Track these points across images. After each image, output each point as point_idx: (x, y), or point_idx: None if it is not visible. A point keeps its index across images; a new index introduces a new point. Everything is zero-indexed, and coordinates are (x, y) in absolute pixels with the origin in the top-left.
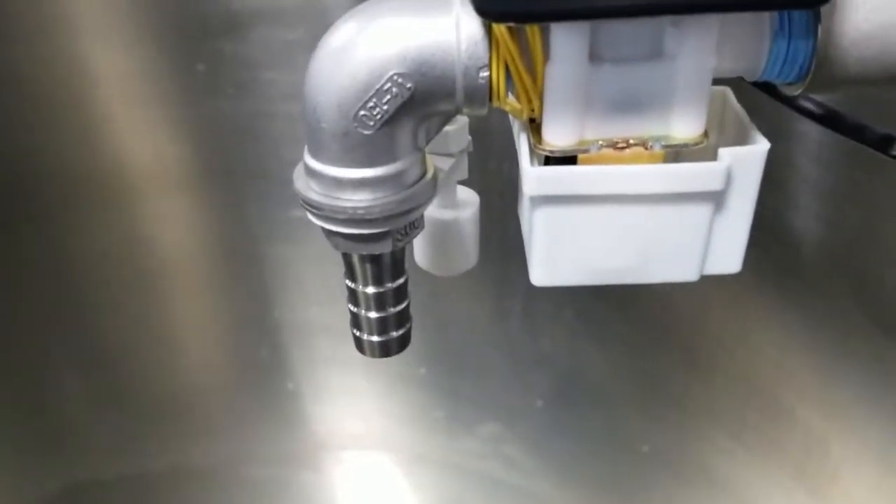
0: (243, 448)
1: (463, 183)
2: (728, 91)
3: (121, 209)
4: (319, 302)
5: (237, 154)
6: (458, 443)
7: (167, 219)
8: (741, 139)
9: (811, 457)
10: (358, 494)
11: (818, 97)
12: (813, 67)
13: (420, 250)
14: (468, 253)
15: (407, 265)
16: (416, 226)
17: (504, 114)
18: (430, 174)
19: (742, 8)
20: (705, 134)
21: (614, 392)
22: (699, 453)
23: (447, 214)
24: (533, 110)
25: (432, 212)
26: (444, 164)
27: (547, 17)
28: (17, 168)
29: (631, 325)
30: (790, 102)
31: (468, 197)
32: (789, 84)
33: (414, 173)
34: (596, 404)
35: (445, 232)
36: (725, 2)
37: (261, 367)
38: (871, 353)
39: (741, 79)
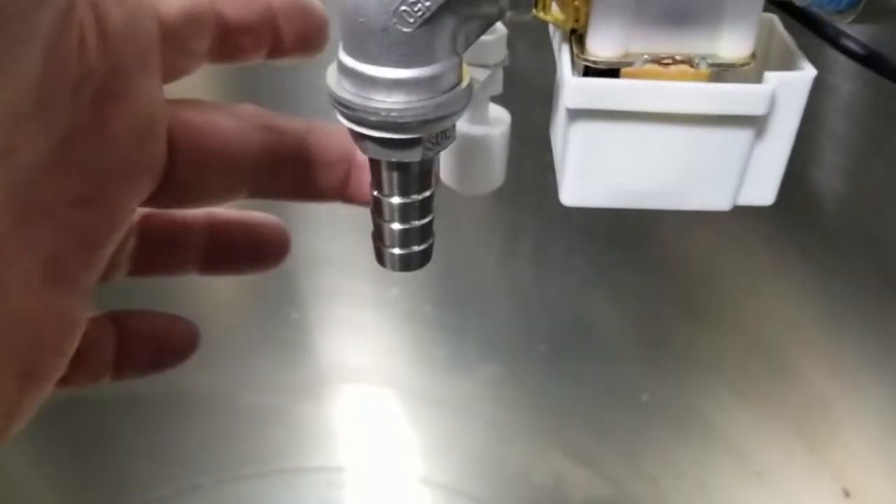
0: (245, 375)
1: (496, 100)
2: (775, 18)
3: None
4: (328, 234)
5: (251, 77)
6: (458, 382)
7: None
8: (787, 65)
9: (812, 413)
10: (357, 427)
11: (862, 38)
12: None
13: (446, 166)
14: (495, 172)
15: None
16: (447, 136)
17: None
18: (465, 82)
19: None
20: (753, 55)
21: (618, 341)
22: (699, 405)
23: (478, 130)
24: (577, 20)
25: (462, 126)
26: (480, 75)
27: None
28: None
29: (641, 274)
30: (833, 40)
31: (500, 115)
32: (840, 13)
33: (450, 79)
34: (599, 352)
35: (474, 148)
36: None
37: (266, 295)
38: (881, 314)
39: (789, 6)
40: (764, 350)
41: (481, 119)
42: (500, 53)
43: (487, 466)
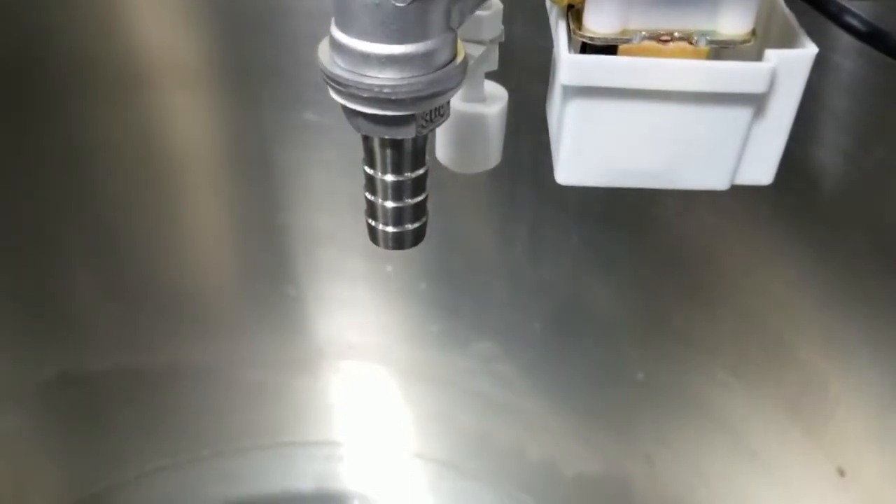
0: (243, 350)
1: (492, 77)
2: None
3: (130, 100)
4: (326, 210)
5: (252, 50)
6: (452, 359)
7: (177, 114)
8: (787, 43)
9: (808, 395)
10: (352, 403)
11: (865, 15)
12: None
13: (441, 144)
14: (491, 150)
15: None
16: (441, 113)
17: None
18: (460, 58)
19: None
20: (753, 32)
21: (614, 320)
22: (694, 385)
23: (473, 108)
24: None
25: (458, 104)
26: (475, 51)
27: None
28: (26, 50)
29: (637, 253)
30: (836, 17)
31: (496, 91)
32: None
33: (444, 55)
34: (594, 331)
35: (470, 126)
36: None
37: (263, 271)
38: (879, 294)
39: None
40: (760, 331)
41: (477, 96)
42: (495, 29)
43: (481, 442)
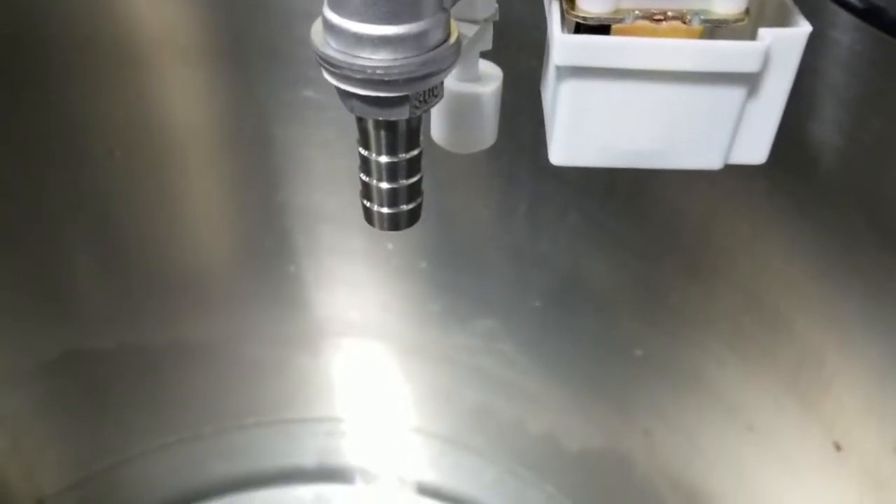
0: (244, 328)
1: (486, 56)
2: None
3: (127, 78)
4: (325, 188)
5: (248, 28)
6: (452, 336)
7: (174, 91)
8: (781, 21)
9: (805, 369)
10: (352, 380)
11: None
12: None
13: (436, 124)
14: (486, 130)
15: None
16: (435, 94)
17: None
18: (453, 38)
19: None
20: (747, 11)
21: (613, 296)
22: (692, 359)
23: (468, 88)
24: None
25: (452, 84)
26: (469, 30)
27: None
28: (23, 26)
29: (635, 230)
30: None
31: (491, 71)
32: None
33: (437, 35)
34: (593, 307)
35: (464, 106)
36: None
37: (263, 249)
38: (877, 270)
39: None
40: (758, 306)
41: (471, 76)
42: (489, 8)
43: (482, 417)
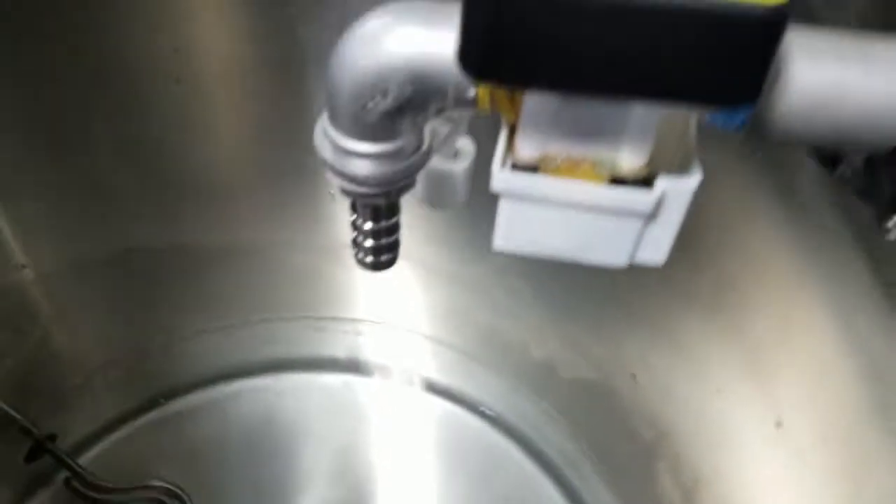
0: (287, 237)
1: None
2: (693, 122)
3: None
4: None
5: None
6: (470, 265)
7: (213, 29)
8: (684, 164)
9: (765, 348)
10: (375, 289)
11: None
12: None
13: (417, 187)
14: (458, 196)
15: None
16: (410, 184)
17: None
18: (426, 146)
19: (676, 103)
20: (646, 165)
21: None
22: (673, 321)
23: (443, 165)
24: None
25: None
26: (444, 128)
27: (516, 85)
28: None
29: None
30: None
31: (465, 147)
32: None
33: (411, 147)
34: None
35: (439, 180)
36: (659, 96)
37: (307, 169)
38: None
39: None
40: (735, 284)
41: (447, 154)
42: (464, 114)
43: (490, 336)
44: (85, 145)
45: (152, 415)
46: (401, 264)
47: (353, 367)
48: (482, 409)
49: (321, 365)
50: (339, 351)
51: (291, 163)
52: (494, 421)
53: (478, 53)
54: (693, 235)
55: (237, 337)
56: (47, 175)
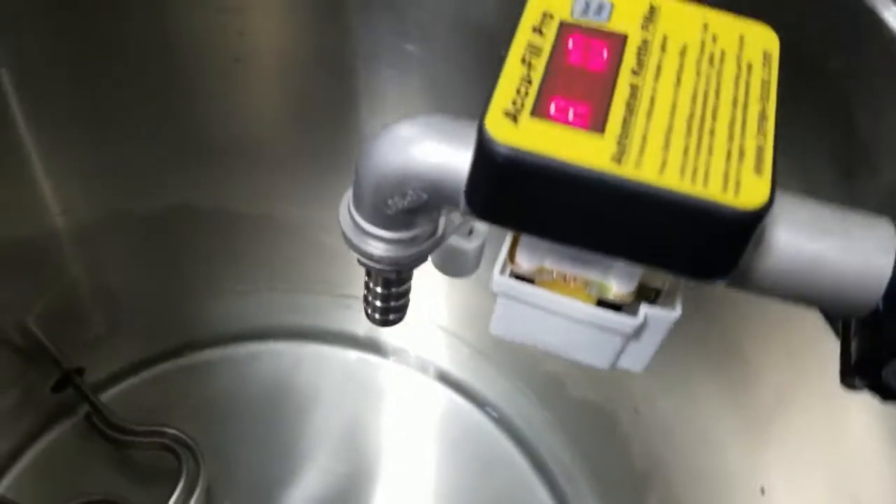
0: (316, 216)
1: None
2: None
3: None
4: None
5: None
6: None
7: (279, 17)
8: (669, 297)
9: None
10: None
11: None
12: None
13: (432, 258)
14: (471, 267)
15: None
16: (422, 261)
17: None
18: (440, 233)
19: (656, 268)
20: (632, 293)
21: None
22: (685, 372)
23: (457, 243)
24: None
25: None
26: (459, 217)
27: (515, 230)
28: None
29: None
30: None
31: (479, 227)
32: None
33: (426, 235)
34: None
35: (453, 255)
36: (641, 260)
37: (343, 161)
38: None
39: None
40: (739, 349)
41: (462, 232)
42: None
43: (506, 342)
44: (137, 108)
45: (172, 364)
46: (430, 262)
47: (371, 346)
48: (488, 407)
49: (341, 339)
50: (360, 329)
51: (332, 150)
52: (498, 421)
53: (481, 201)
54: (712, 292)
55: (263, 301)
56: (96, 133)
